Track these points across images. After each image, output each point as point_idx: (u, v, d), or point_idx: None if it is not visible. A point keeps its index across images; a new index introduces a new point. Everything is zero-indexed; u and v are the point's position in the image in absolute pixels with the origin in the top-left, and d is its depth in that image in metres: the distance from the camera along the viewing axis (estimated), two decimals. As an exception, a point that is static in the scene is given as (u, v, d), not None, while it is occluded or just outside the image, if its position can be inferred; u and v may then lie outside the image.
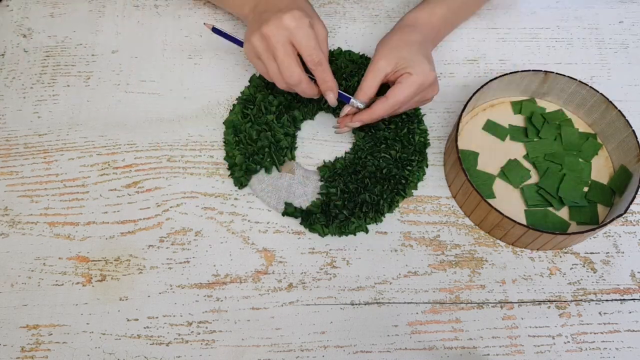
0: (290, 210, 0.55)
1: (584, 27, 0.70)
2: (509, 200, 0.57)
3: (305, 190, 0.57)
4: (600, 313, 0.52)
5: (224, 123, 0.60)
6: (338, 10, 0.71)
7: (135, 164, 0.59)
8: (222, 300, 0.52)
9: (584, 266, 0.54)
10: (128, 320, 0.51)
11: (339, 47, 0.66)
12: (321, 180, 0.57)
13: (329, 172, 0.57)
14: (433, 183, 0.58)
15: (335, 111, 0.61)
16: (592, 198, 0.56)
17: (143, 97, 0.63)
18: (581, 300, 0.53)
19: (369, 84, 0.53)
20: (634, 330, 0.51)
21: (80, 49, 0.67)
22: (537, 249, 0.55)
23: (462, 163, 0.53)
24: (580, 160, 0.59)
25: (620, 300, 0.53)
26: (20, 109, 0.62)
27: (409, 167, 0.57)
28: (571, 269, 0.54)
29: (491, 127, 0.61)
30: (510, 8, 0.71)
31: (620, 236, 0.56)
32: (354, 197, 0.55)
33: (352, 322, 0.51)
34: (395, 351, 0.50)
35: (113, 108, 0.62)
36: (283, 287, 0.53)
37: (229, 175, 0.58)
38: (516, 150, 0.60)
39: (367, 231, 0.55)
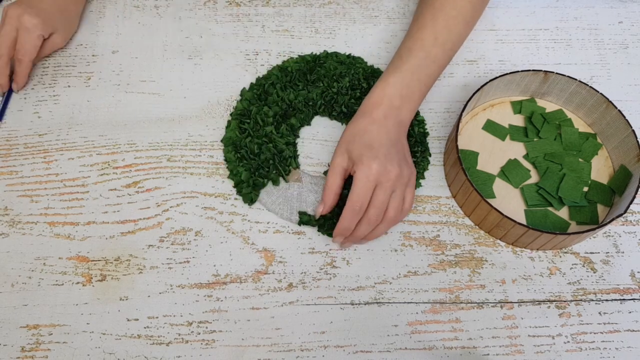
0: (305, 219, 0.55)
1: (583, 28, 0.70)
2: (509, 200, 0.57)
3: (316, 196, 0.56)
4: (600, 313, 0.52)
5: (222, 141, 0.60)
6: (338, 11, 0.71)
7: (135, 163, 0.59)
8: (222, 300, 0.52)
9: (583, 266, 0.54)
10: (128, 320, 0.51)
11: (324, 50, 0.66)
12: None
13: None
14: (433, 183, 0.59)
15: (331, 114, 0.61)
16: (592, 198, 0.56)
17: (143, 97, 0.63)
18: (581, 300, 0.53)
19: (330, 181, 0.53)
20: (634, 330, 0.51)
21: (81, 49, 0.67)
22: (537, 249, 0.55)
23: (462, 163, 0.53)
24: (580, 160, 0.59)
25: (620, 300, 0.53)
26: (21, 109, 0.62)
27: (413, 159, 0.57)
28: (571, 268, 0.54)
29: (491, 127, 0.61)
30: (509, 8, 0.71)
31: (620, 236, 0.56)
32: None
33: (352, 322, 0.51)
34: (395, 351, 0.50)
35: (113, 108, 0.62)
36: (283, 287, 0.53)
37: (237, 193, 0.57)
38: (516, 150, 0.60)
39: None
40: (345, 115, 0.61)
